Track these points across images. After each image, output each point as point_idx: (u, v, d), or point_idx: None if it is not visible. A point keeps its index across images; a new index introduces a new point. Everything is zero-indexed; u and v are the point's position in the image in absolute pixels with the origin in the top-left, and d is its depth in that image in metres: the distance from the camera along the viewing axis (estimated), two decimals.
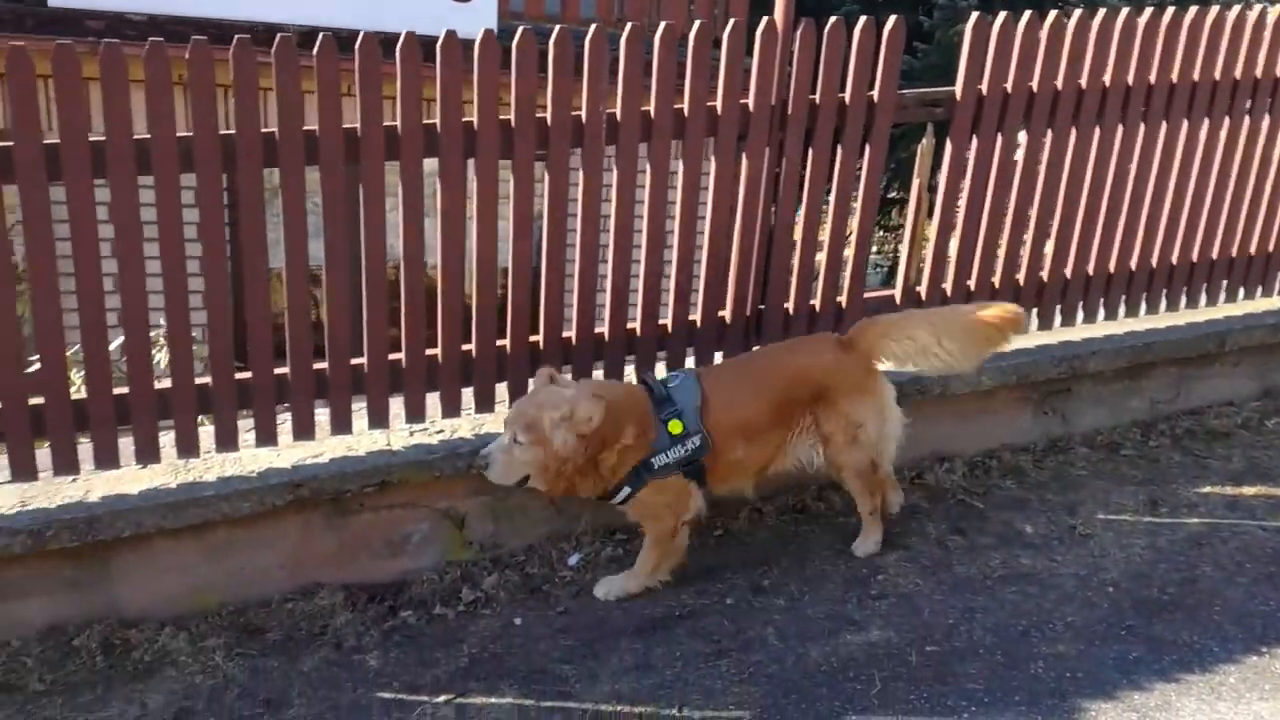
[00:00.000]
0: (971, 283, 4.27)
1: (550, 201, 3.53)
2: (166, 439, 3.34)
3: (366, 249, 3.37)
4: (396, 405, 3.55)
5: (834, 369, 3.33)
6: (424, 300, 3.45)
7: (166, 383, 3.28)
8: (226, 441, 3.33)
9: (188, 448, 3.31)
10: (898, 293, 4.24)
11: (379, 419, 3.52)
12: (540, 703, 2.91)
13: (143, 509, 3.11)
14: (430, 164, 3.36)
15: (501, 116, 3.36)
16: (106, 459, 3.24)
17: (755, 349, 3.90)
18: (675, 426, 3.16)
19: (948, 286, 4.26)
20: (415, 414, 3.53)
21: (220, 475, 3.25)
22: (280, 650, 3.16)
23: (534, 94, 3.39)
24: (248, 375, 3.33)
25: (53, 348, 3.10)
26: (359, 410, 3.50)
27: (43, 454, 3.21)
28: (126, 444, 3.29)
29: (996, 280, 4.32)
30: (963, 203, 4.17)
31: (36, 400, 3.12)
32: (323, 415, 3.49)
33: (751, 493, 3.56)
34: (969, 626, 3.22)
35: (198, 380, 3.30)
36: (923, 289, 4.24)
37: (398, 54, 3.19)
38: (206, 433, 3.40)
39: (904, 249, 4.36)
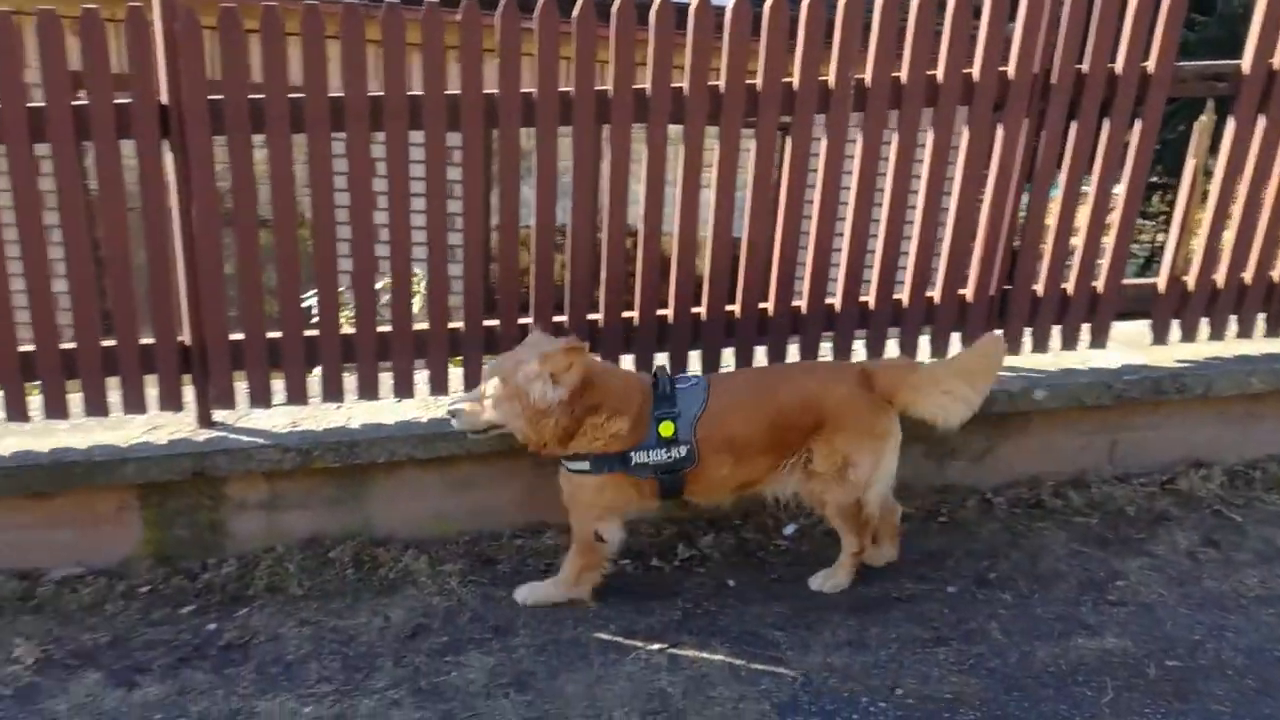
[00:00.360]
0: (1247, 276, 3.90)
1: (790, 170, 3.51)
2: (419, 377, 3.61)
3: (609, 211, 3.48)
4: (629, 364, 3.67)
5: (844, 402, 3.08)
6: (659, 263, 3.54)
7: (423, 325, 3.53)
8: (473, 383, 3.55)
9: (439, 386, 3.55)
10: (1161, 282, 3.93)
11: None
12: (751, 664, 2.93)
13: (397, 439, 3.38)
14: (674, 131, 3.43)
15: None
16: (368, 390, 3.53)
17: (772, 365, 3.68)
18: (666, 429, 3.00)
19: (1219, 278, 3.90)
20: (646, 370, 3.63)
21: None
22: (509, 582, 3.34)
23: (782, 60, 3.37)
24: (495, 323, 3.53)
25: (327, 286, 3.41)
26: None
27: (313, 381, 3.55)
28: (384, 379, 3.58)
29: (1277, 274, 3.92)
30: (1243, 187, 3.80)
31: (311, 333, 3.45)
32: None
33: (727, 507, 3.45)
34: (1217, 645, 2.97)
35: (451, 325, 3.54)
36: (1190, 279, 3.91)
37: (651, 19, 3.26)
38: (455, 374, 3.64)
39: (1170, 235, 4.03)
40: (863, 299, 3.73)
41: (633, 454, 3.01)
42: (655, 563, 3.47)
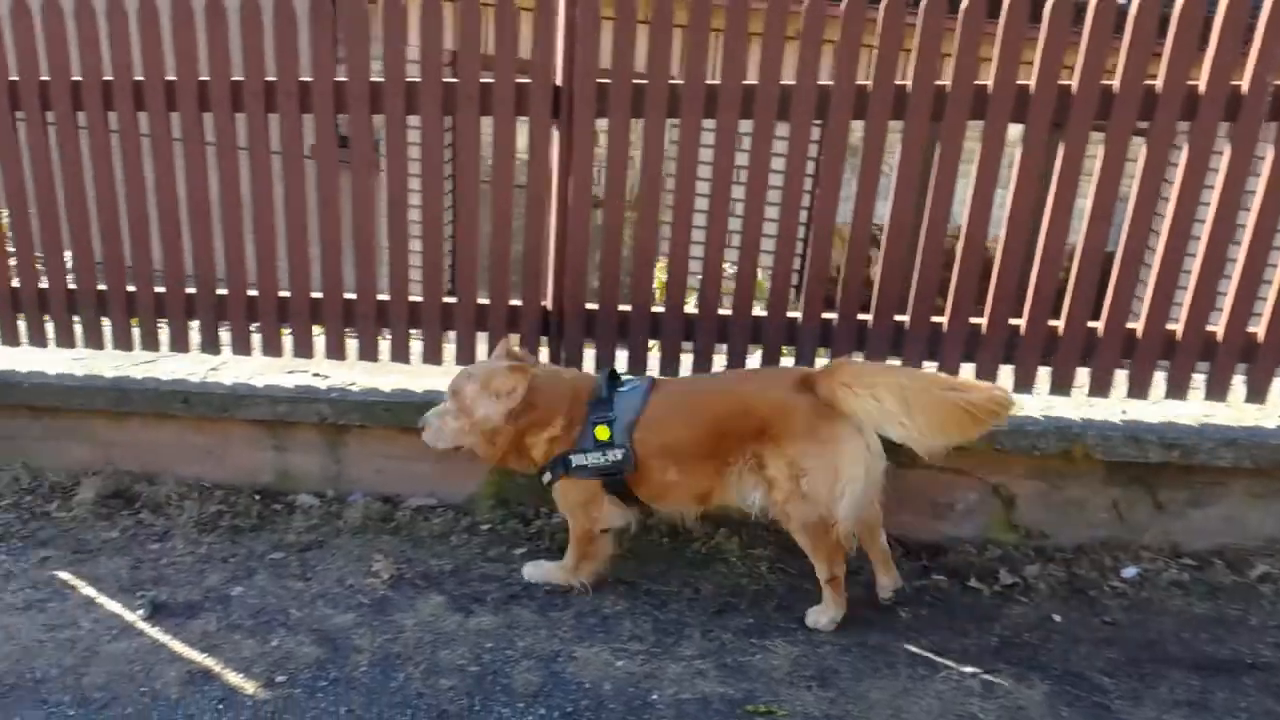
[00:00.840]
0: None
1: (1143, 179, 3.23)
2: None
3: (931, 211, 3.37)
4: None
5: (780, 407, 2.85)
6: (978, 270, 3.40)
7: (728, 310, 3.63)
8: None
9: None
10: None
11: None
12: (1073, 706, 2.73)
13: None
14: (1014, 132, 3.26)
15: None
16: (702, 368, 3.66)
17: (717, 371, 3.58)
18: (602, 432, 2.97)
19: None
20: (1023, 384, 3.49)
21: None
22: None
23: (1146, 60, 3.10)
24: (796, 315, 3.55)
25: (679, 266, 3.55)
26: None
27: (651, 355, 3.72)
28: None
29: None
30: None
31: (658, 309, 3.62)
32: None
33: (695, 517, 3.21)
34: None
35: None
36: None
37: (1003, 15, 3.10)
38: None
39: None
40: (1209, 328, 3.38)
41: (572, 457, 3.02)
42: (973, 583, 3.33)
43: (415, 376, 3.84)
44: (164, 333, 3.92)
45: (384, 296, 3.72)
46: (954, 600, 3.26)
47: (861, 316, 3.53)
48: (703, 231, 3.47)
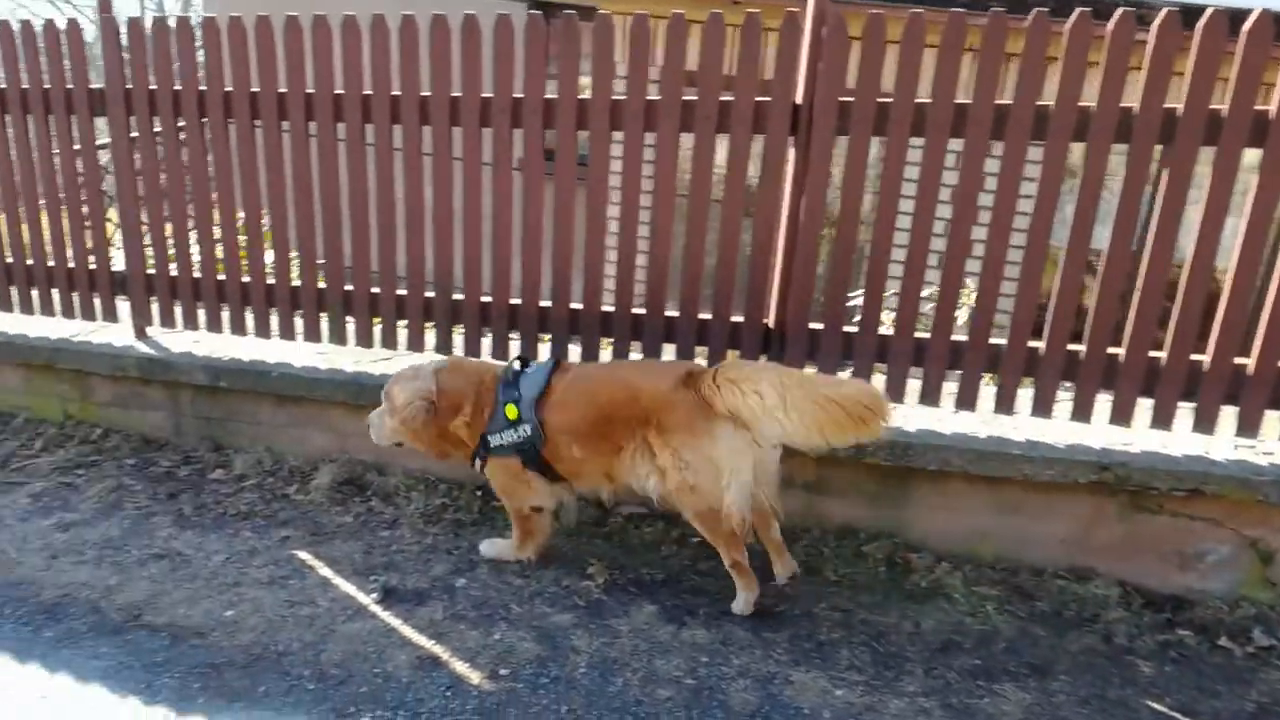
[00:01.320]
0: None
1: None
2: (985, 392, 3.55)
3: (1155, 239, 3.17)
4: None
5: (661, 400, 2.99)
6: (1204, 303, 3.17)
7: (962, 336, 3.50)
8: (1041, 408, 3.40)
9: (1005, 405, 3.46)
10: None
11: (1205, 422, 3.29)
12: None
13: (951, 449, 3.36)
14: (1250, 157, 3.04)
15: None
16: (930, 396, 3.54)
17: (617, 360, 3.78)
18: (511, 411, 3.19)
19: None
20: (1249, 427, 3.21)
21: (1028, 438, 3.35)
22: (1047, 622, 3.18)
23: None
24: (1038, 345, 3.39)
25: (912, 287, 3.47)
26: (1185, 410, 3.33)
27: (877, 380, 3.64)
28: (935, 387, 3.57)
29: None
30: None
31: (886, 331, 3.55)
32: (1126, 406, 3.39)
33: (609, 496, 3.42)
34: None
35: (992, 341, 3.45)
36: None
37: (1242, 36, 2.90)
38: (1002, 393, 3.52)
39: None
40: None
41: (489, 436, 3.24)
42: (1223, 642, 3.08)
43: None
44: (401, 334, 4.14)
45: (608, 308, 3.80)
46: (1202, 659, 3.02)
47: (1072, 347, 3.37)
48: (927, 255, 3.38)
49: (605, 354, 3.91)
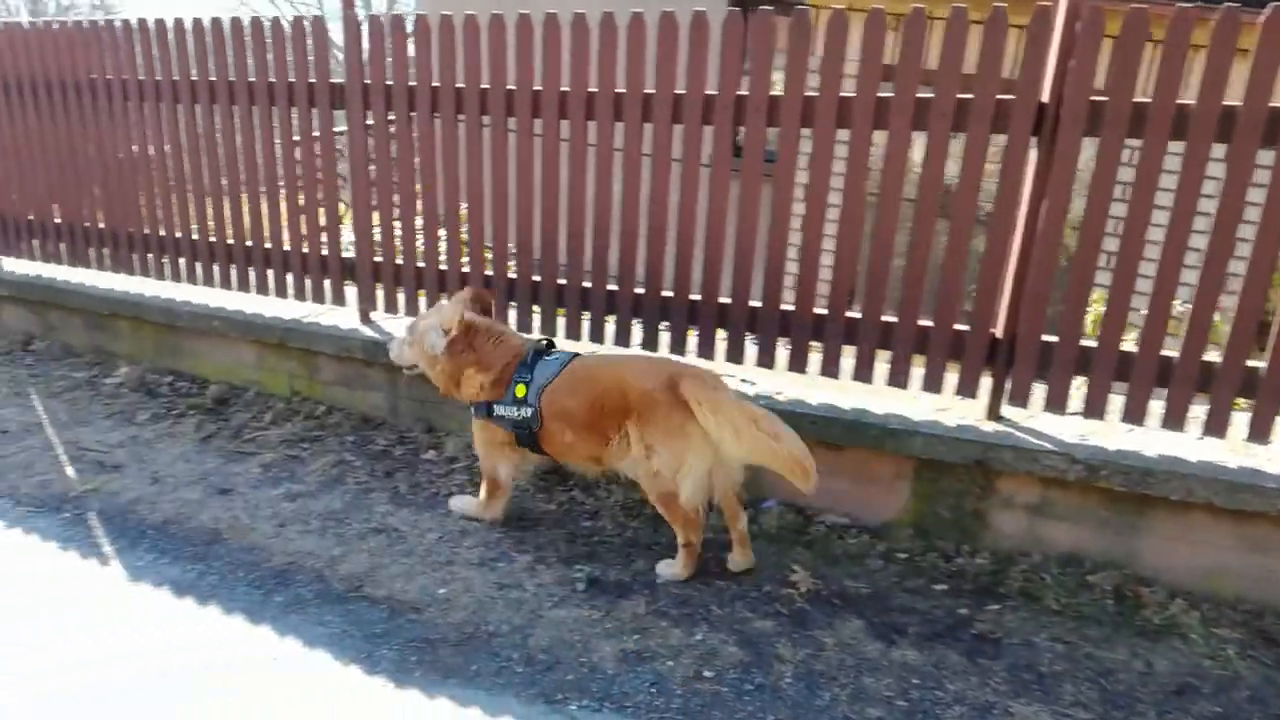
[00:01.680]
0: None
1: None
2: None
3: None
4: None
5: (644, 398, 3.25)
6: None
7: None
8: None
9: (1260, 434, 3.17)
10: None
11: None
12: None
13: (1196, 478, 3.10)
14: None
15: None
16: (1174, 420, 3.28)
17: (614, 355, 3.98)
18: (520, 390, 3.46)
19: None
20: None
21: None
22: None
23: None
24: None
25: (1163, 300, 3.23)
26: None
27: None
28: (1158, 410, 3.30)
29: None
30: None
31: (1129, 349, 3.31)
32: None
33: (595, 475, 3.74)
34: None
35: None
36: None
37: None
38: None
39: None
40: None
41: (495, 406, 3.53)
42: None
43: (844, 392, 3.80)
44: (609, 327, 4.19)
45: (820, 310, 3.72)
46: None
47: None
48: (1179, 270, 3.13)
49: (814, 359, 3.85)
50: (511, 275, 4.31)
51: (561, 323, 4.31)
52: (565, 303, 4.23)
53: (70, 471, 4.22)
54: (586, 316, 4.20)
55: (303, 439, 4.51)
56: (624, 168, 3.87)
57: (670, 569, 3.43)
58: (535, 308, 4.29)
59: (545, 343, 3.62)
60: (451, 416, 4.44)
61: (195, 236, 5.04)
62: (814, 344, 3.81)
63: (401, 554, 3.60)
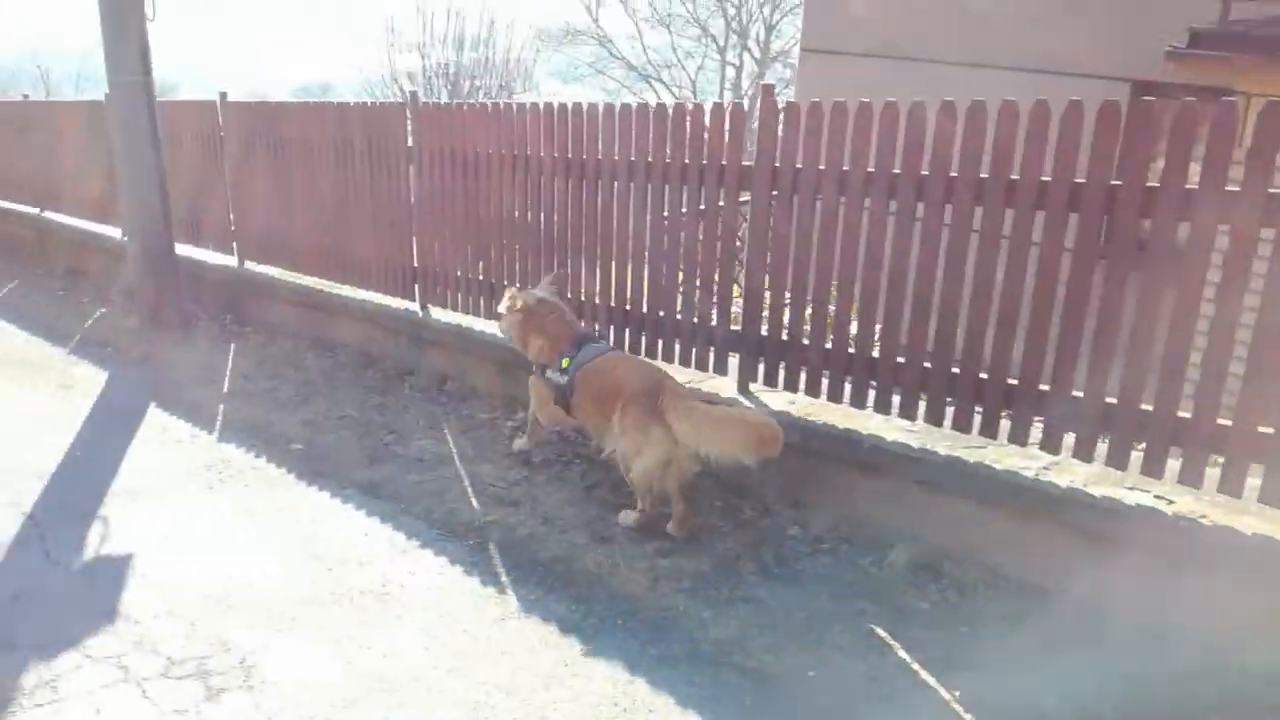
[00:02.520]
0: None
1: None
2: None
3: None
4: None
5: (631, 397, 4.23)
6: None
7: None
8: None
9: None
10: None
11: None
12: None
13: None
14: None
15: None
16: None
17: (635, 356, 5.14)
18: (565, 363, 4.60)
19: None
20: None
21: None
22: None
23: None
24: None
25: None
26: None
27: None
28: None
29: None
30: None
31: None
32: None
33: (599, 444, 4.61)
34: None
35: None
36: None
37: None
38: None
39: None
40: None
41: (547, 370, 4.66)
42: None
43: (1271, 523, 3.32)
44: (1003, 423, 3.99)
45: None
46: None
47: None
48: None
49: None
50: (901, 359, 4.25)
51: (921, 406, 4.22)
52: (929, 387, 4.15)
53: (474, 502, 4.68)
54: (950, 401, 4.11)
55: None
56: (1007, 256, 3.78)
57: (627, 519, 4.40)
58: (896, 387, 4.27)
59: (595, 331, 5.14)
60: (819, 495, 4.41)
61: (583, 299, 5.47)
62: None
63: (768, 627, 3.61)
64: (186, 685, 3.27)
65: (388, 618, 3.68)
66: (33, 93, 26.66)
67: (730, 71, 32.24)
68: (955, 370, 4.06)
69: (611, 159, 5.14)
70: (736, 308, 5.08)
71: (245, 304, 8.02)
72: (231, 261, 8.15)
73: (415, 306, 6.58)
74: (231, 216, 8.03)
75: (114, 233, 9.29)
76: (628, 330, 5.34)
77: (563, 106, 5.41)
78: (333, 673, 3.35)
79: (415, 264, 6.51)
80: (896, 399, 4.26)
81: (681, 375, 5.14)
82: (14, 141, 11.05)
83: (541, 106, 5.52)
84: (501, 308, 4.93)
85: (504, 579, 3.97)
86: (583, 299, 5.49)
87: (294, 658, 3.43)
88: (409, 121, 6.24)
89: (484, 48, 17.04)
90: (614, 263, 5.30)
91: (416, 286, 6.52)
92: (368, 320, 6.87)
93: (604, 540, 4.28)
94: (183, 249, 8.02)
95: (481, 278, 6.07)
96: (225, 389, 6.44)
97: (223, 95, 7.85)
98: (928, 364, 4.14)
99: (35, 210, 10.83)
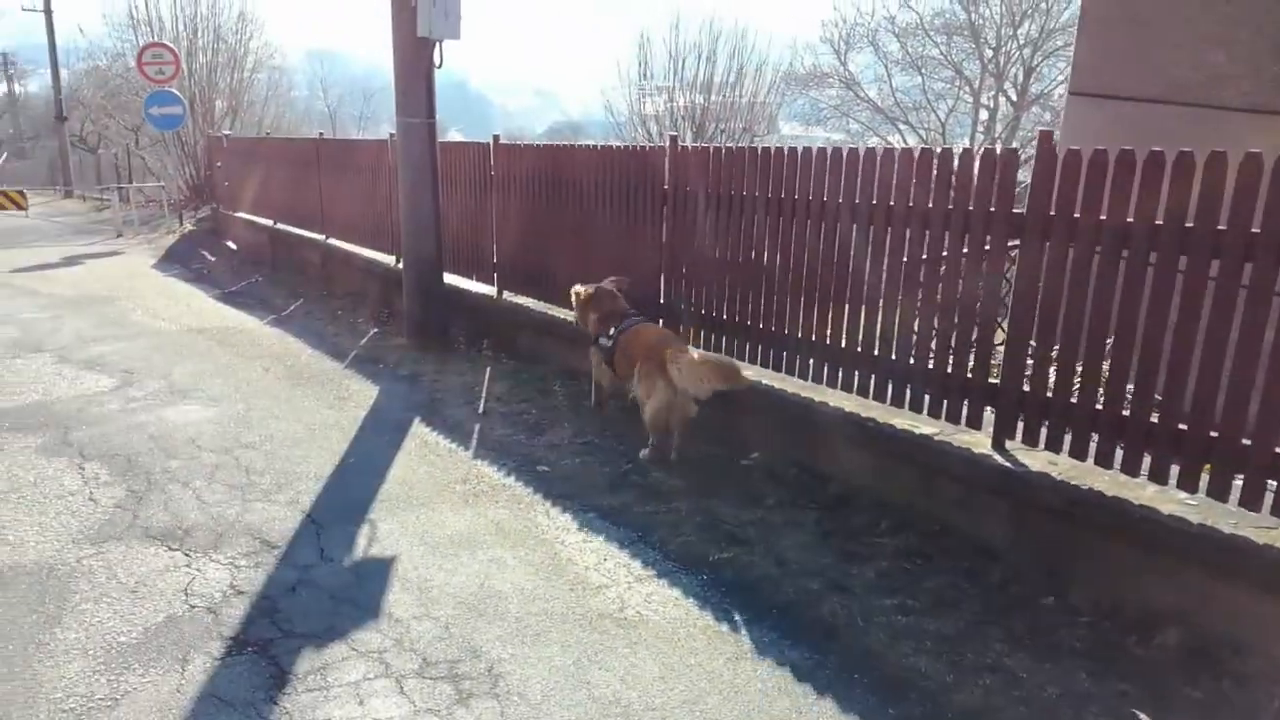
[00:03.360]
0: None
1: None
2: None
3: None
4: None
5: (648, 354, 5.72)
6: None
7: None
8: None
9: None
10: None
11: None
12: None
13: None
14: None
15: None
16: None
17: (654, 325, 6.34)
18: (610, 332, 6.16)
19: None
20: None
21: None
22: None
23: None
24: None
25: None
26: None
27: None
28: None
29: None
30: None
31: None
32: None
33: (630, 390, 6.03)
34: None
35: None
36: None
37: None
38: None
39: None
40: None
41: (600, 338, 6.28)
42: None
43: None
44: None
45: None
46: None
47: None
48: None
49: None
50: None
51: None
52: (1214, 458, 3.78)
53: (708, 537, 4.71)
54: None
55: (916, 553, 4.51)
56: None
57: (644, 453, 5.77)
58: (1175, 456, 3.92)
59: (634, 311, 6.32)
60: (1079, 565, 4.11)
61: (845, 344, 5.39)
62: None
63: (1018, 700, 3.41)
64: (440, 686, 3.47)
65: (626, 642, 3.76)
66: (325, 130, 29.75)
67: (983, 114, 31.13)
68: (1246, 442, 3.69)
69: (869, 202, 5.09)
70: (994, 359, 4.86)
71: (500, 331, 8.50)
72: (490, 291, 8.67)
73: None
74: (494, 248, 8.56)
75: (386, 259, 10.14)
76: (874, 377, 5.22)
77: (830, 150, 5.41)
78: (574, 691, 3.45)
79: (661, 300, 6.70)
80: (1175, 468, 3.92)
81: (928, 425, 4.98)
82: (307, 175, 12.32)
83: (800, 150, 5.55)
84: (572, 295, 6.61)
85: (737, 617, 3.96)
86: (827, 340, 5.44)
87: (538, 671, 3.57)
88: (667, 163, 6.45)
89: (730, 91, 17.31)
90: (864, 306, 5.22)
91: (660, 322, 6.70)
92: None
93: (841, 589, 4.19)
94: (447, 277, 8.65)
95: (739, 319, 6.12)
96: (480, 409, 6.84)
97: (495, 138, 8.43)
98: (1214, 433, 3.78)
99: (320, 237, 12.00)
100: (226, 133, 17.12)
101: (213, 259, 14.25)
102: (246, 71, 21.79)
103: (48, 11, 31.73)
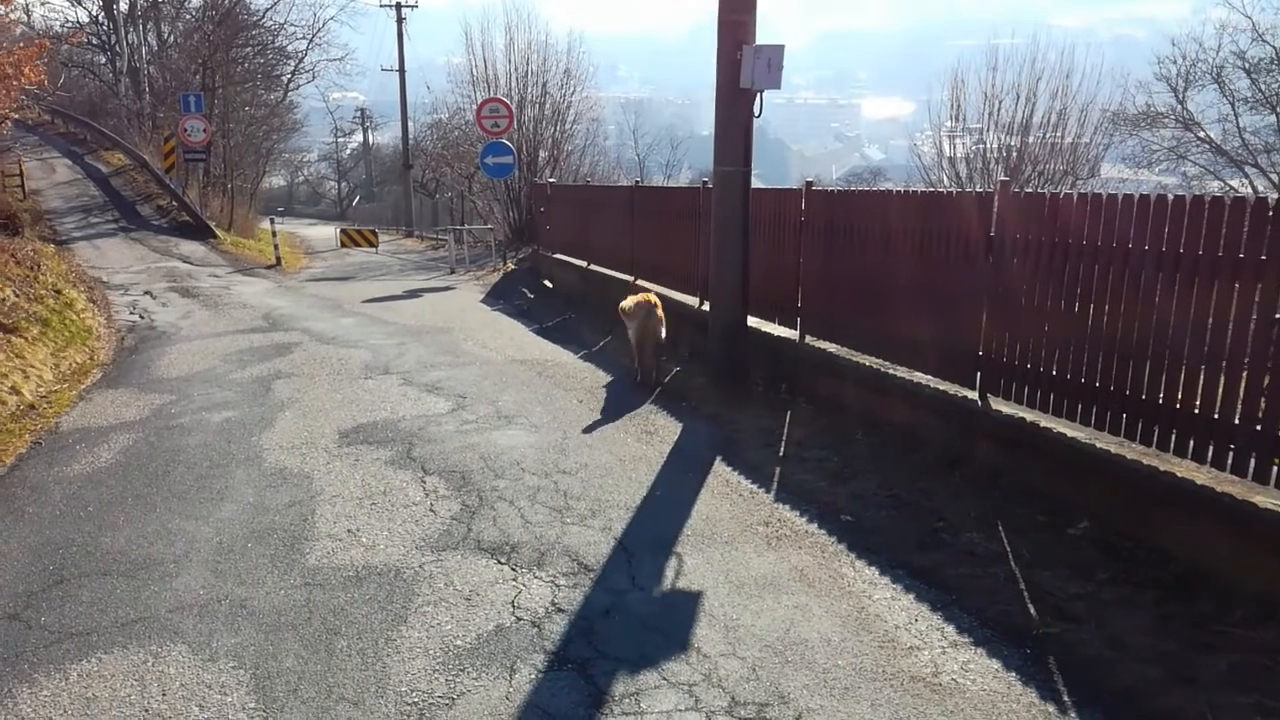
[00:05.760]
0: None
1: None
2: None
3: None
4: None
5: (636, 307, 8.76)
6: None
7: None
8: None
9: None
10: None
11: None
12: None
13: None
14: None
15: None
16: None
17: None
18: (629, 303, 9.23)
19: None
20: None
21: None
22: None
23: None
24: None
25: None
26: None
27: None
28: None
29: None
30: None
31: None
32: None
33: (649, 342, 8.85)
34: None
35: None
36: None
37: None
38: None
39: None
40: None
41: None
42: None
43: None
44: None
45: None
46: None
47: None
48: None
49: None
50: None
51: None
52: None
53: (1031, 609, 4.39)
54: None
55: (1277, 649, 3.96)
56: None
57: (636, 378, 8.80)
58: None
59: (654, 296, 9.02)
60: None
61: (1199, 409, 4.88)
62: None
63: None
64: None
65: (941, 710, 3.59)
66: (633, 176, 31.40)
67: None
68: None
69: (1214, 254, 4.61)
70: None
71: (800, 375, 8.47)
72: (792, 335, 8.69)
73: (972, 394, 6.43)
74: (799, 293, 8.58)
75: (690, 299, 10.45)
76: (1231, 448, 4.67)
77: (1189, 198, 4.95)
78: None
79: (980, 352, 6.37)
80: None
81: (1261, 497, 4.38)
82: (620, 219, 12.99)
83: (1154, 197, 5.11)
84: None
85: (1066, 699, 3.66)
86: (1177, 404, 4.94)
87: None
88: (995, 209, 6.15)
89: (1051, 131, 16.28)
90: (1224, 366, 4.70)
91: (978, 374, 6.37)
92: (918, 403, 6.86)
93: (1187, 681, 3.76)
94: (750, 319, 8.79)
95: (1042, 369, 5.73)
96: (780, 452, 6.84)
97: (808, 184, 8.47)
98: None
99: (629, 278, 12.59)
100: (551, 180, 18.44)
101: (531, 296, 15.36)
102: (568, 124, 23.35)
103: (401, 71, 36.43)
